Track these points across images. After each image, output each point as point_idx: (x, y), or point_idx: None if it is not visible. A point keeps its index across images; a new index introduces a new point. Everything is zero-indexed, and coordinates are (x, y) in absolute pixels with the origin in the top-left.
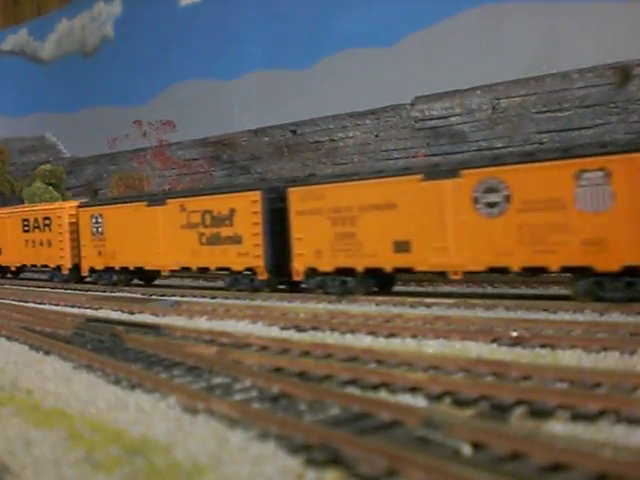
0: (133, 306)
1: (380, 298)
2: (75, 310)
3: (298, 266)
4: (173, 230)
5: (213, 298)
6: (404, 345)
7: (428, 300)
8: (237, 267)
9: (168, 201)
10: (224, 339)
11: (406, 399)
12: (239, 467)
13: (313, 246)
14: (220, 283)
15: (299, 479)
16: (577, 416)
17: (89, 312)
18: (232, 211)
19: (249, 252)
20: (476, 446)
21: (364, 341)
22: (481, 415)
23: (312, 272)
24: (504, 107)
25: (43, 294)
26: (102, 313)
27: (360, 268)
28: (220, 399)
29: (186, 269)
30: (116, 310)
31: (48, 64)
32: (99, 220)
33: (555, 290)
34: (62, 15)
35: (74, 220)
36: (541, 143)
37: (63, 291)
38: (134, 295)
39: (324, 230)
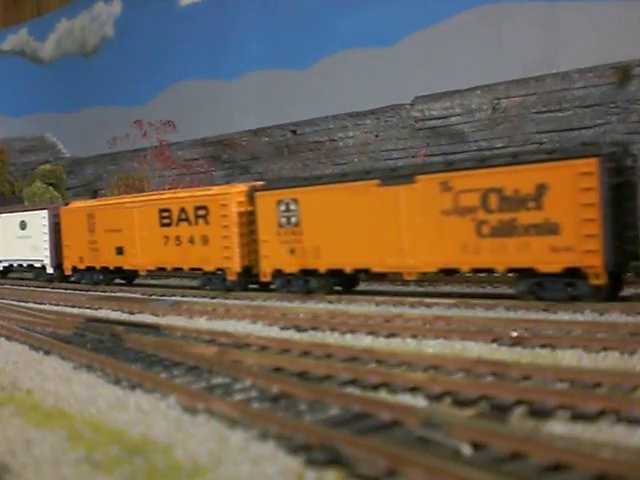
0: (133, 306)
1: (380, 298)
2: (75, 310)
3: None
4: (428, 217)
5: (213, 298)
6: (404, 345)
7: (428, 300)
8: (550, 267)
9: (419, 178)
10: (224, 339)
11: (406, 399)
12: (239, 467)
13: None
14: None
15: (299, 479)
16: (577, 416)
17: (89, 312)
18: (541, 188)
19: (573, 245)
20: (476, 446)
21: (364, 341)
22: (481, 415)
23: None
24: (504, 107)
25: (43, 294)
26: (102, 313)
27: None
28: (220, 399)
29: (449, 271)
30: (116, 310)
31: (48, 64)
32: (291, 207)
33: None
34: (62, 15)
35: (244, 209)
36: (541, 143)
37: (63, 291)
38: (134, 295)
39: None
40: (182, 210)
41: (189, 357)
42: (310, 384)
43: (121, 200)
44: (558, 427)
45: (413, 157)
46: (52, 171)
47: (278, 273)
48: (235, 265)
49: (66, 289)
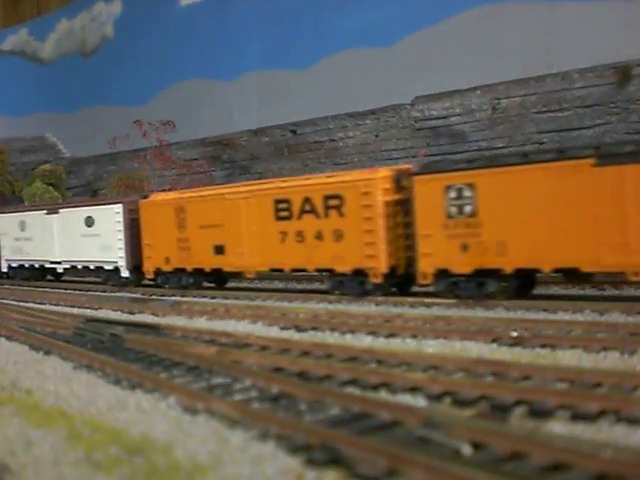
0: (133, 306)
1: (380, 298)
2: (75, 310)
3: None
4: None
5: (213, 298)
6: (404, 345)
7: (428, 300)
8: None
9: None
10: (224, 339)
11: (406, 399)
12: (239, 467)
13: None
14: None
15: (299, 479)
16: (577, 416)
17: (89, 312)
18: None
19: None
20: (476, 446)
21: (364, 341)
22: (481, 415)
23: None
24: (504, 107)
25: (43, 294)
26: (102, 313)
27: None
28: (220, 399)
29: None
30: (116, 310)
31: (48, 64)
32: (465, 193)
33: (555, 290)
34: (62, 15)
35: (391, 197)
36: (541, 143)
37: (63, 291)
38: (134, 295)
39: None
40: (306, 200)
41: (189, 357)
42: (310, 384)
43: (221, 190)
44: (558, 427)
45: (413, 157)
46: (52, 171)
47: (442, 274)
48: (381, 265)
49: (66, 289)
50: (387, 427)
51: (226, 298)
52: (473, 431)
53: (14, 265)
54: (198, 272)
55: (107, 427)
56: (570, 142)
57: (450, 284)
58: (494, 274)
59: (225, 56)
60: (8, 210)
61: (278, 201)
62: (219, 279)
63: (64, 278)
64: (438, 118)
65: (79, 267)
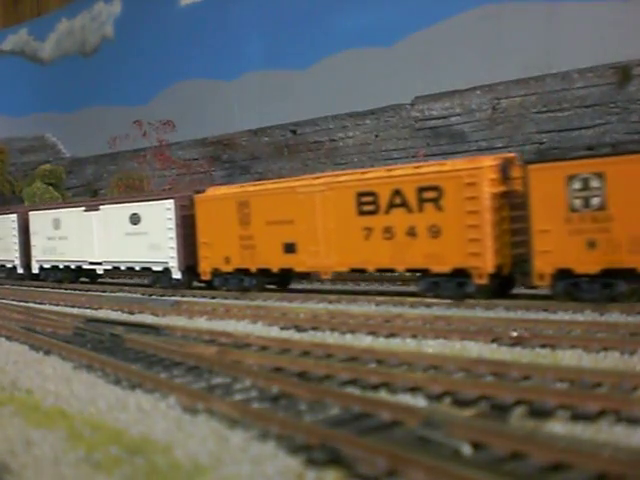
0: (133, 306)
1: (380, 298)
2: (75, 310)
3: None
4: None
5: (213, 298)
6: (404, 345)
7: (428, 300)
8: None
9: None
10: (224, 339)
11: (406, 399)
12: (239, 467)
13: None
14: None
15: (299, 479)
16: (577, 416)
17: (89, 312)
18: None
19: None
20: (476, 446)
21: (364, 341)
22: (481, 415)
23: None
24: (504, 107)
25: (43, 294)
26: (102, 313)
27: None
28: (220, 399)
29: None
30: (116, 310)
31: (48, 64)
32: (593, 184)
33: None
34: (62, 15)
35: (498, 189)
36: (541, 143)
37: (63, 291)
38: (134, 295)
39: None
40: (396, 193)
41: (189, 357)
42: (310, 384)
43: (292, 183)
44: (558, 427)
45: (413, 157)
46: (52, 171)
47: (563, 274)
48: (487, 264)
49: (66, 289)
50: (387, 427)
51: (226, 298)
52: (473, 431)
53: (46, 266)
54: (262, 273)
55: (107, 427)
56: (570, 142)
57: (569, 285)
58: (625, 274)
59: (225, 56)
60: (40, 207)
61: (361, 194)
62: (284, 280)
63: (101, 280)
64: (438, 118)
65: (122, 268)
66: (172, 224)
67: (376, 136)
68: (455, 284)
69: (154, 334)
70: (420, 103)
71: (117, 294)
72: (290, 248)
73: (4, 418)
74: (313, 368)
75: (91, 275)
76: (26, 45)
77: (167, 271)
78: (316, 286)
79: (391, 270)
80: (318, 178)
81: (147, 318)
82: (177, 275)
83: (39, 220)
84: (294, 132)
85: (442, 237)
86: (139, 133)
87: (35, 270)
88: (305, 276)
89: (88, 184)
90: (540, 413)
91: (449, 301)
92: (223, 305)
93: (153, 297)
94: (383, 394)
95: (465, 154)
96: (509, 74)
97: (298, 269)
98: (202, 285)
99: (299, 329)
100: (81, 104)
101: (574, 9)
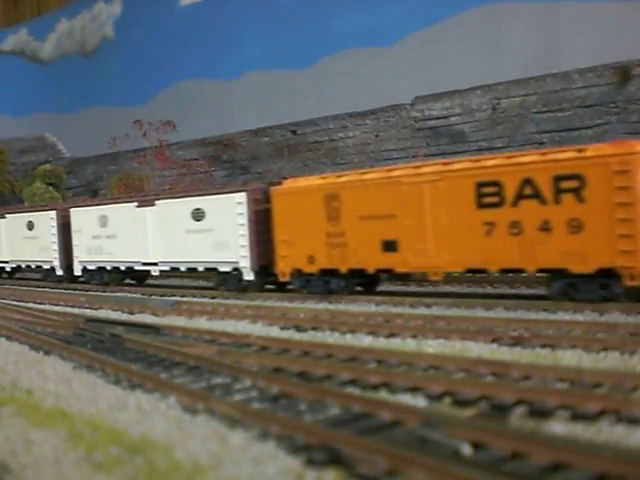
0: (133, 306)
1: (380, 298)
2: (75, 310)
3: None
4: None
5: (213, 298)
6: (404, 345)
7: (428, 300)
8: None
9: None
10: (224, 339)
11: (406, 399)
12: (239, 467)
13: None
14: None
15: (299, 479)
16: (577, 416)
17: (89, 312)
18: None
19: None
20: (476, 446)
21: (364, 341)
22: (481, 415)
23: None
24: (504, 107)
25: (43, 294)
26: (102, 313)
27: None
28: (220, 399)
29: None
30: (116, 310)
31: (48, 64)
32: None
33: None
34: (62, 15)
35: None
36: (541, 143)
37: (63, 291)
38: (134, 295)
39: None
40: (526, 182)
41: (189, 357)
42: (310, 384)
43: (393, 172)
44: (558, 427)
45: (413, 157)
46: (52, 171)
47: None
48: None
49: (66, 289)
50: (387, 427)
51: (226, 298)
52: (473, 431)
53: (90, 267)
54: (354, 274)
55: (107, 427)
56: (570, 142)
57: None
58: None
59: (225, 56)
60: (85, 204)
61: (482, 184)
62: (371, 282)
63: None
64: (438, 118)
65: (182, 269)
66: (243, 220)
67: (376, 136)
68: (597, 286)
69: (154, 334)
70: (420, 103)
71: (117, 294)
72: (390, 246)
73: (4, 418)
74: (313, 368)
75: (141, 277)
76: (26, 45)
77: (236, 271)
78: (412, 289)
79: (519, 270)
80: (426, 166)
81: (147, 318)
82: (249, 276)
83: (83, 217)
84: (294, 132)
85: (584, 233)
86: (139, 133)
87: (77, 272)
88: (404, 277)
89: (88, 184)
90: (540, 413)
91: (450, 301)
92: (223, 305)
93: (153, 297)
94: (383, 394)
95: (465, 154)
96: (509, 74)
97: (400, 269)
98: (274, 287)
99: (299, 329)
100: (81, 104)
101: (574, 9)
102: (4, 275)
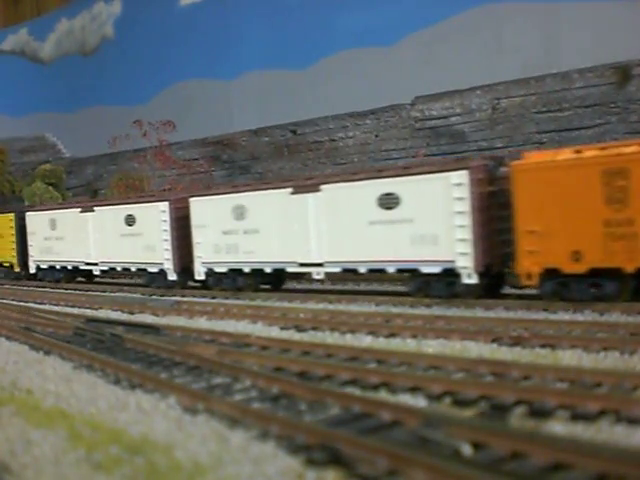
0: (133, 306)
1: (380, 298)
2: (75, 310)
3: None
4: None
5: (213, 298)
6: (404, 345)
7: (427, 300)
8: None
9: None
10: (224, 339)
11: (406, 399)
12: (239, 467)
13: None
14: None
15: (299, 479)
16: (577, 416)
17: (89, 312)
18: None
19: None
20: (476, 446)
21: (364, 341)
22: (481, 415)
23: None
24: (504, 107)
25: (43, 294)
26: (102, 313)
27: None
28: (220, 399)
29: None
30: (116, 310)
31: (48, 64)
32: None
33: None
34: (62, 15)
35: None
36: (541, 143)
37: (63, 291)
38: (134, 295)
39: None
40: None
41: (189, 357)
42: (310, 384)
43: None
44: (558, 427)
45: (413, 157)
46: (52, 171)
47: None
48: None
49: (66, 289)
50: (387, 427)
51: (226, 298)
52: (473, 431)
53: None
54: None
55: (107, 427)
56: (570, 142)
57: None
58: None
59: (225, 56)
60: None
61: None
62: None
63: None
64: (438, 118)
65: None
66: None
67: (376, 136)
68: None
69: (154, 334)
70: (420, 103)
71: (117, 294)
72: None
73: (4, 418)
74: (313, 368)
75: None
76: (26, 45)
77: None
78: None
79: None
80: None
81: (147, 318)
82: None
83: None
84: (294, 132)
85: None
86: (139, 133)
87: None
88: None
89: (88, 184)
90: (540, 413)
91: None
92: (223, 305)
93: (153, 297)
94: (383, 394)
95: (465, 154)
96: (509, 74)
97: None
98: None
99: (299, 329)
100: (81, 104)
101: (574, 9)
102: (91, 279)
